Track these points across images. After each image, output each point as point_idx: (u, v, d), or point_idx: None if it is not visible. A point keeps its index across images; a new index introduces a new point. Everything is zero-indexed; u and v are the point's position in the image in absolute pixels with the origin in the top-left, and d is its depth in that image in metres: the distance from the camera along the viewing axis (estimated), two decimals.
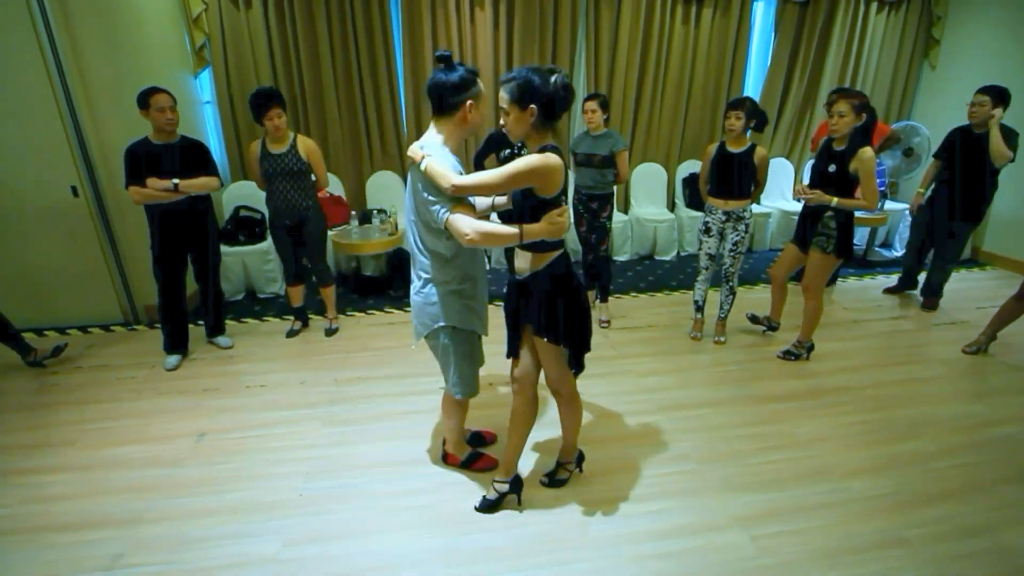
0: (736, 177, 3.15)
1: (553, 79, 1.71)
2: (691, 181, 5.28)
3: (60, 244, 3.58)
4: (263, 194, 3.37)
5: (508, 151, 3.66)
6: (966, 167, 3.68)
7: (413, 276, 2.01)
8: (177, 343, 3.35)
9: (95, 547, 2.02)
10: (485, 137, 3.82)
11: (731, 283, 3.39)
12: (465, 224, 1.73)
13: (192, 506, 2.21)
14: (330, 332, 3.72)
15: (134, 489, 2.31)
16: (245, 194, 4.52)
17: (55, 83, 3.26)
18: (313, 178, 3.38)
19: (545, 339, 1.91)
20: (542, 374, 2.05)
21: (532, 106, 1.71)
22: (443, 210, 1.76)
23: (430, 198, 1.78)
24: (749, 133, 3.11)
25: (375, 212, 4.47)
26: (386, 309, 4.15)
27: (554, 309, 1.89)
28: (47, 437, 2.67)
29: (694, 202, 5.24)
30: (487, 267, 2.03)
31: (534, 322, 1.92)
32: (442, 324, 1.97)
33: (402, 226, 4.55)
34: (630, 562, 1.93)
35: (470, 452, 2.42)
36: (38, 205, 3.48)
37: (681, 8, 4.90)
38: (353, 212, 4.49)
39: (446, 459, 2.43)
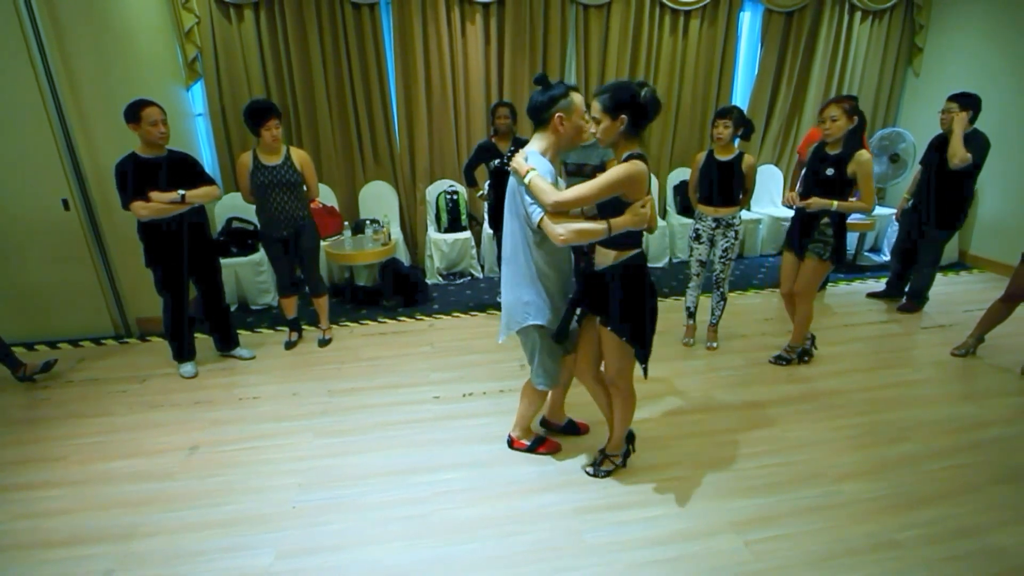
0: (724, 184, 3.18)
1: (643, 92, 1.85)
2: (682, 189, 5.32)
3: (51, 257, 3.57)
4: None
5: (497, 161, 3.70)
6: (941, 173, 3.73)
7: (506, 276, 2.15)
8: (189, 353, 3.36)
9: (87, 563, 2.00)
10: (475, 147, 3.86)
11: (722, 289, 3.42)
12: (557, 225, 1.90)
13: (185, 520, 2.20)
14: (323, 343, 3.71)
15: (126, 503, 2.29)
16: (238, 205, 4.50)
17: (46, 96, 3.27)
18: (305, 189, 3.40)
19: (615, 332, 2.03)
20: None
21: (623, 116, 1.85)
22: (538, 213, 1.93)
23: (528, 199, 1.96)
24: (737, 141, 3.15)
25: (368, 222, 4.48)
26: (379, 319, 4.15)
27: (629, 302, 2.01)
28: (38, 452, 2.65)
29: (685, 209, 5.29)
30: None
31: (607, 314, 2.04)
32: (532, 323, 2.10)
33: (395, 236, 4.57)
34: (624, 569, 1.94)
35: (535, 436, 2.54)
36: (29, 219, 3.47)
37: (669, 19, 4.97)
38: (346, 222, 4.50)
39: (511, 444, 2.55)
